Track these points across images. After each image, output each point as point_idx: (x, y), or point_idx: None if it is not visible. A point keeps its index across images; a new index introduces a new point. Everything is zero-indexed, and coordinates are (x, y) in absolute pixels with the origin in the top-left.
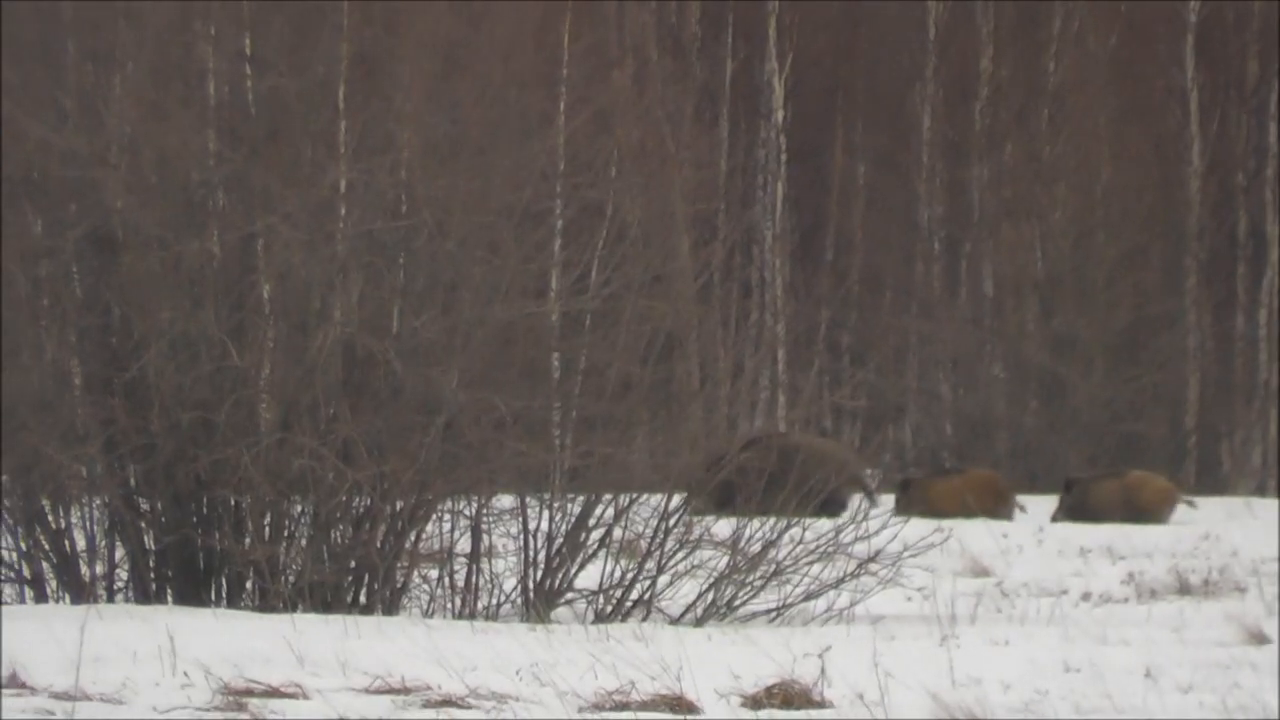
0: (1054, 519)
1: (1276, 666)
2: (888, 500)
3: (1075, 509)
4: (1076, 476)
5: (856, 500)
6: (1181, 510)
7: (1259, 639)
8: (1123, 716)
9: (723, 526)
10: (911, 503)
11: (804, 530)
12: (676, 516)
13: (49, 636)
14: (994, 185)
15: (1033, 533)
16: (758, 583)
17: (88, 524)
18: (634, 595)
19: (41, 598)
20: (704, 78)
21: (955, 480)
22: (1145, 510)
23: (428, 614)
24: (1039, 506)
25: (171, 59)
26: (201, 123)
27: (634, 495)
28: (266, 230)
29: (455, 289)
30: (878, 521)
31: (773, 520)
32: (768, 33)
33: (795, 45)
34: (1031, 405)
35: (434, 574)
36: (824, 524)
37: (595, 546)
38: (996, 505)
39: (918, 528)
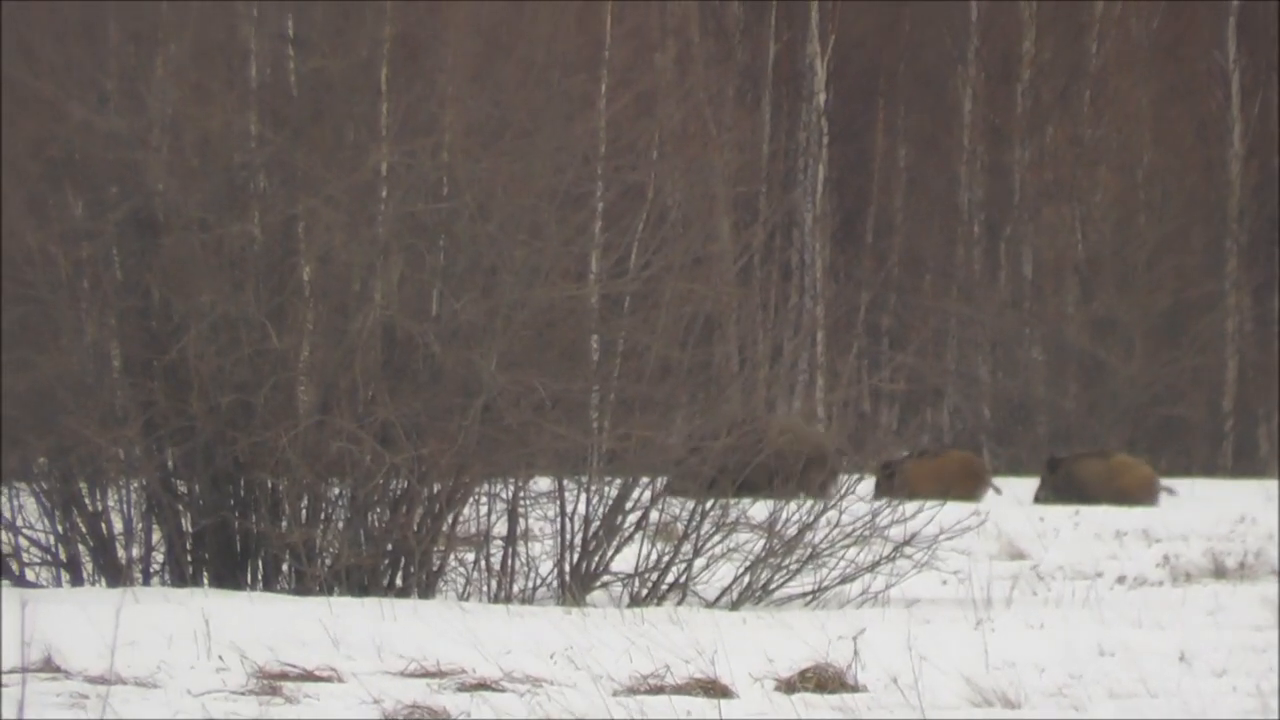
0: (1037, 499)
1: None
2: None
3: (1060, 488)
4: (1060, 456)
5: (840, 483)
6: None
7: None
8: (1156, 699)
9: (759, 510)
10: (892, 485)
11: (840, 514)
12: (711, 501)
13: (84, 620)
14: (1035, 168)
15: (1069, 515)
16: (793, 566)
17: (125, 507)
18: (670, 579)
19: (77, 581)
20: (746, 60)
21: (933, 462)
22: (1127, 494)
23: (463, 597)
24: (1023, 488)
25: (214, 40)
26: (243, 104)
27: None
28: (308, 212)
29: (495, 272)
30: (914, 505)
31: (809, 503)
32: (810, 15)
33: (837, 28)
34: (1071, 388)
35: (470, 557)
36: (860, 507)
37: (632, 530)
38: (975, 486)
39: (954, 511)
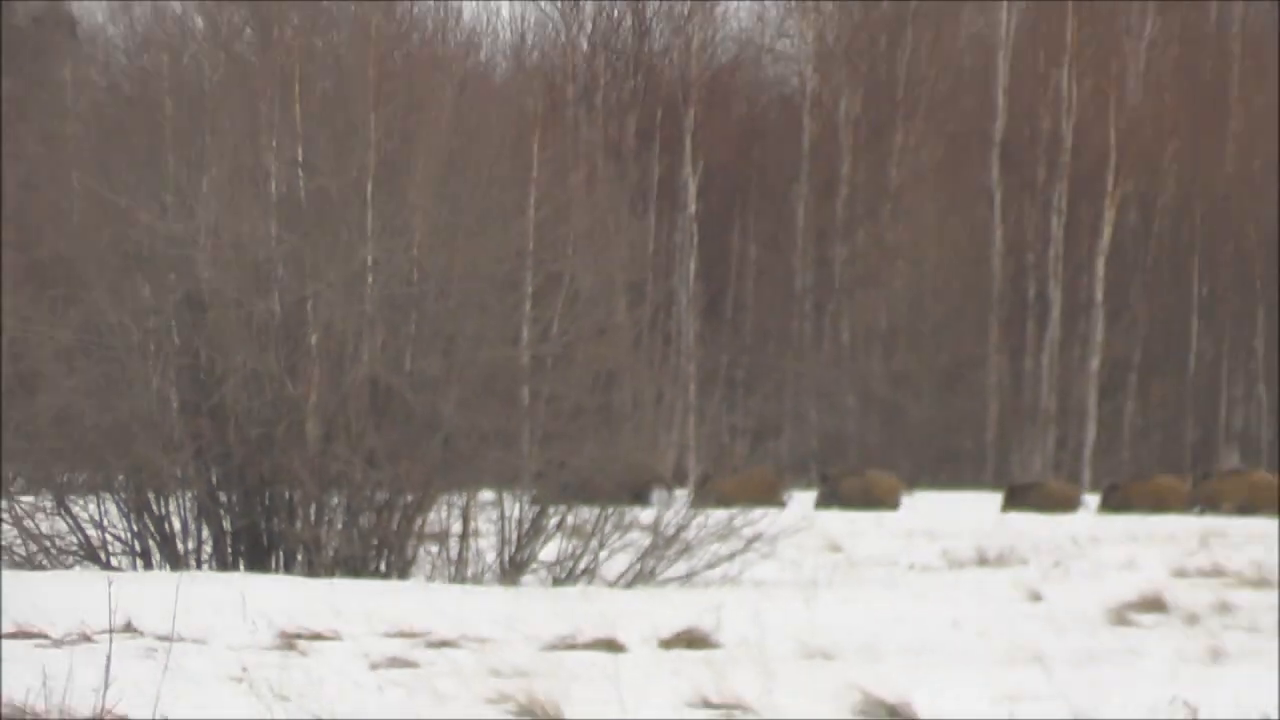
0: (816, 506)
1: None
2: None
3: (829, 498)
4: (827, 473)
5: (660, 493)
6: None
7: (1035, 597)
8: (935, 654)
9: (647, 514)
10: (708, 494)
11: (707, 517)
12: (613, 508)
13: (154, 594)
14: (850, 261)
15: (874, 521)
16: (672, 556)
17: (182, 511)
18: (581, 565)
19: (148, 566)
20: (637, 179)
21: (741, 477)
22: (880, 499)
23: (430, 579)
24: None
25: (244, 165)
26: (266, 213)
27: (660, 486)
28: (314, 294)
29: (453, 338)
30: (760, 511)
31: (687, 510)
32: (685, 146)
33: (705, 155)
34: (876, 426)
35: (435, 549)
36: (722, 512)
37: (553, 529)
38: (772, 495)
39: (790, 517)
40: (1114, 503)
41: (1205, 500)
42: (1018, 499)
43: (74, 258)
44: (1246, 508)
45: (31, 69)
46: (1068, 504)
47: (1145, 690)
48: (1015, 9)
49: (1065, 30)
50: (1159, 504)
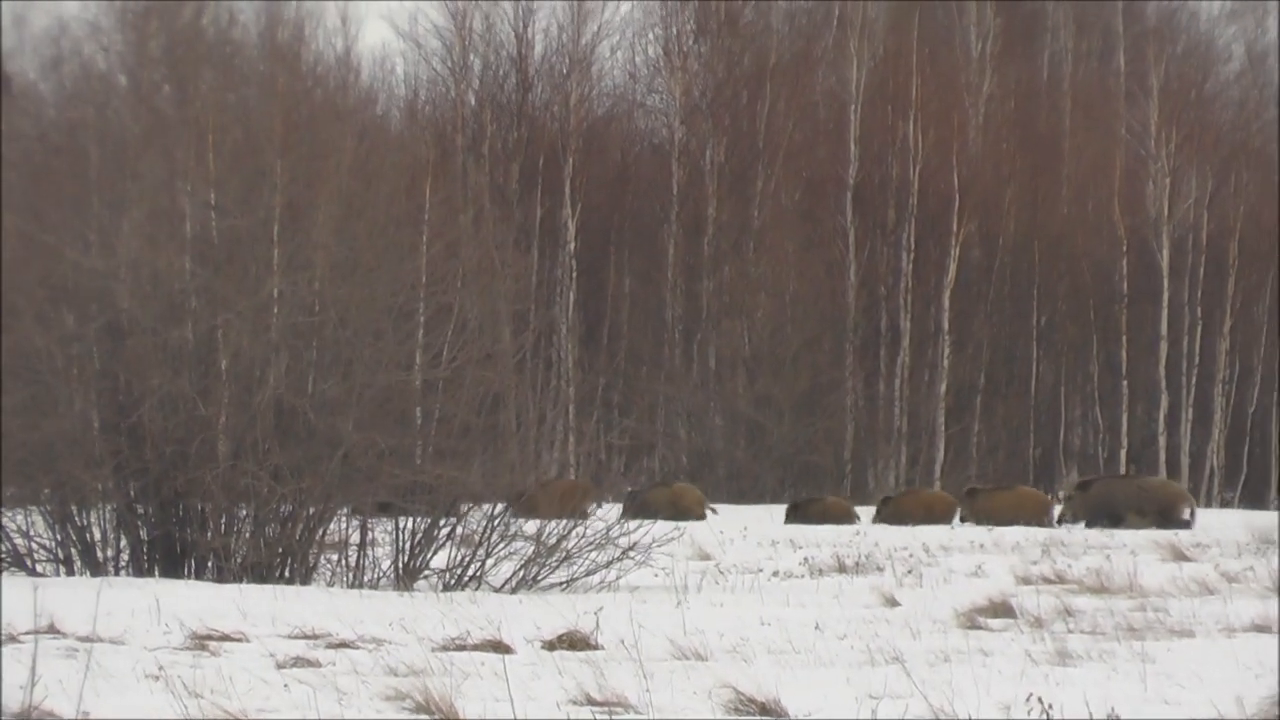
0: (622, 517)
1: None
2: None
3: (635, 510)
4: (633, 489)
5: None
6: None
7: (891, 602)
8: (799, 654)
9: (530, 526)
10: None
11: (586, 528)
12: (499, 518)
13: (75, 599)
14: (716, 294)
15: (740, 529)
16: (554, 564)
17: (102, 522)
18: (470, 572)
19: (70, 572)
20: (521, 219)
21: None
22: (685, 510)
23: (330, 584)
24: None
25: (162, 206)
26: (181, 250)
27: (470, 504)
28: (224, 323)
29: (351, 363)
30: (635, 522)
31: (566, 522)
32: (565, 190)
33: (583, 198)
34: (741, 444)
35: (335, 557)
36: (599, 524)
37: (444, 538)
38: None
39: (664, 527)
40: (885, 515)
41: (973, 513)
42: (799, 513)
43: (3, 290)
44: (1012, 520)
45: None
46: (846, 517)
47: (998, 689)
48: (865, 68)
49: (911, 87)
50: (929, 515)
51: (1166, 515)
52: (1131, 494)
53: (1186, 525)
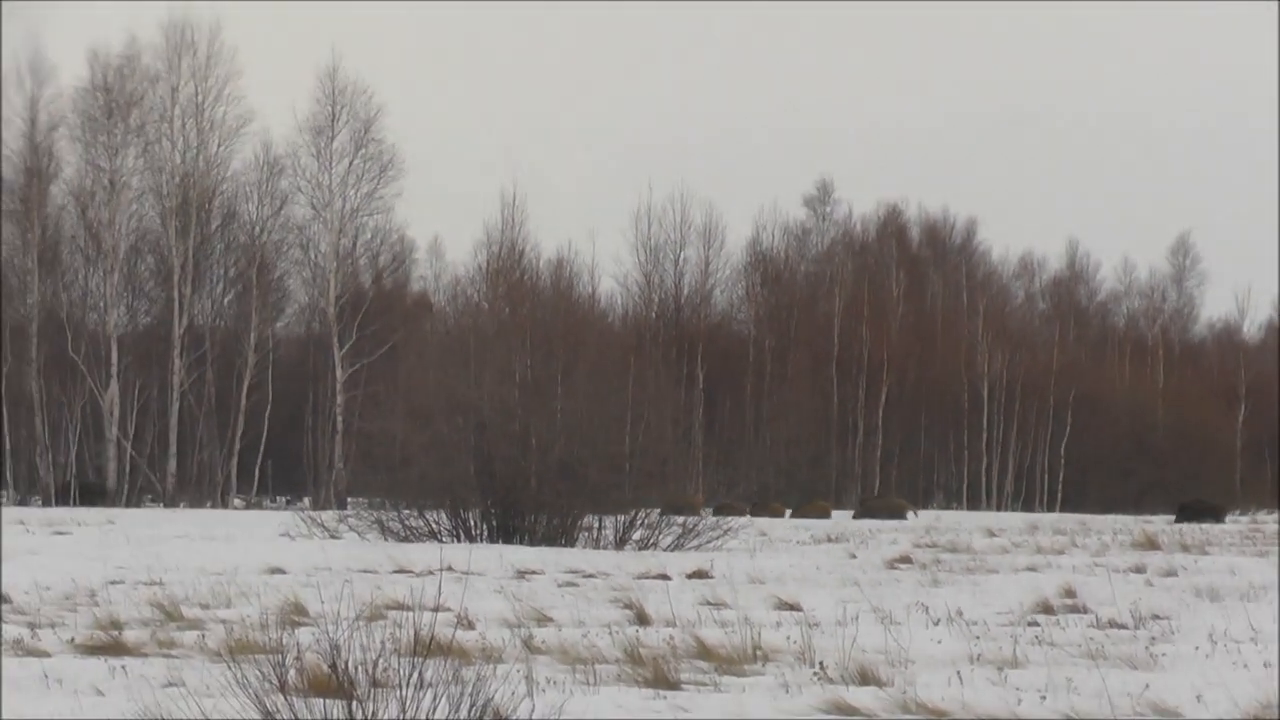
0: (855, 516)
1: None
2: None
3: (861, 512)
4: (864, 498)
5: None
6: None
7: (853, 555)
8: (808, 581)
9: (679, 519)
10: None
11: (704, 520)
12: (664, 516)
13: (460, 554)
14: (770, 407)
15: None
16: (690, 538)
17: (474, 517)
18: (650, 540)
19: (457, 540)
20: (677, 374)
21: (879, 500)
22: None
23: (584, 547)
24: None
25: (504, 367)
26: (513, 386)
27: (652, 509)
28: (534, 423)
29: (595, 443)
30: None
31: (695, 517)
32: (698, 358)
33: (705, 364)
34: (772, 477)
35: (586, 533)
36: (711, 518)
37: (638, 525)
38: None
39: (742, 521)
40: (860, 513)
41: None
42: (802, 512)
43: (431, 407)
44: (891, 514)
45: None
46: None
47: (902, 597)
48: (842, 302)
49: (864, 310)
50: (892, 513)
51: (899, 513)
52: (896, 505)
53: (905, 519)
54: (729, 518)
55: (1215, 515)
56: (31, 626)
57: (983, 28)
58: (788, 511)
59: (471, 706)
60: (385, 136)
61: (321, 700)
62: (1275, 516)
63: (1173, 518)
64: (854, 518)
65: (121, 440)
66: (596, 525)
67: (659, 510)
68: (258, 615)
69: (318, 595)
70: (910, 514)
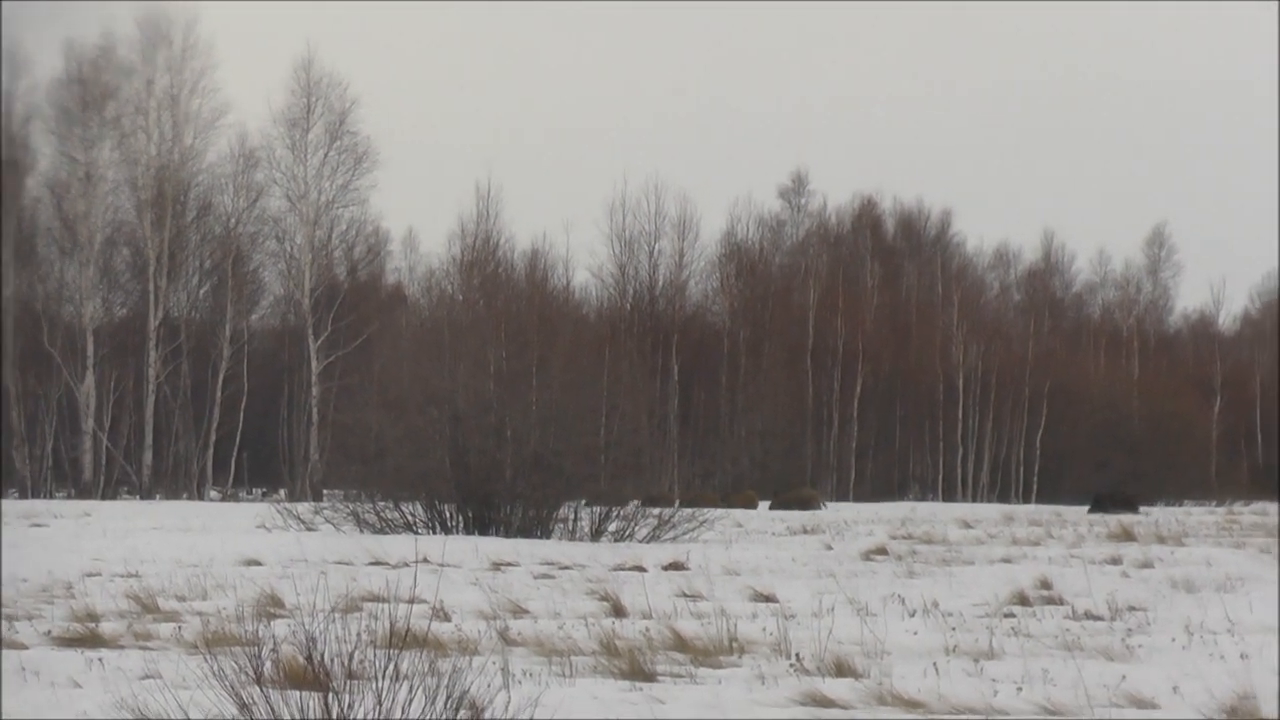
0: (772, 508)
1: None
2: None
3: (777, 504)
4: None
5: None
6: None
7: (829, 547)
8: (783, 572)
9: (655, 510)
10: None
11: (678, 512)
12: (639, 507)
13: (435, 545)
14: (745, 398)
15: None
16: (666, 529)
17: (449, 509)
18: (627, 532)
19: (433, 532)
20: (653, 365)
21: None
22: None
23: (559, 539)
24: None
25: (480, 357)
26: (488, 378)
27: (627, 501)
28: (509, 415)
29: (569, 434)
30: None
31: (670, 509)
32: (673, 350)
33: (680, 354)
34: (747, 467)
35: (561, 524)
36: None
37: (614, 516)
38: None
39: (718, 513)
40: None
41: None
42: (780, 502)
43: (405, 399)
44: (802, 507)
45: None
46: (810, 503)
47: (878, 588)
48: (816, 292)
49: (839, 301)
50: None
51: (811, 504)
52: (808, 497)
53: (819, 509)
54: (702, 509)
55: (1130, 506)
56: (8, 619)
57: (959, 18)
58: (764, 504)
59: (447, 698)
60: (360, 129)
61: (298, 692)
62: (1251, 508)
63: (1086, 509)
64: (770, 509)
65: (97, 432)
66: (572, 517)
67: (637, 502)
68: (234, 607)
69: (293, 587)
70: (822, 505)
